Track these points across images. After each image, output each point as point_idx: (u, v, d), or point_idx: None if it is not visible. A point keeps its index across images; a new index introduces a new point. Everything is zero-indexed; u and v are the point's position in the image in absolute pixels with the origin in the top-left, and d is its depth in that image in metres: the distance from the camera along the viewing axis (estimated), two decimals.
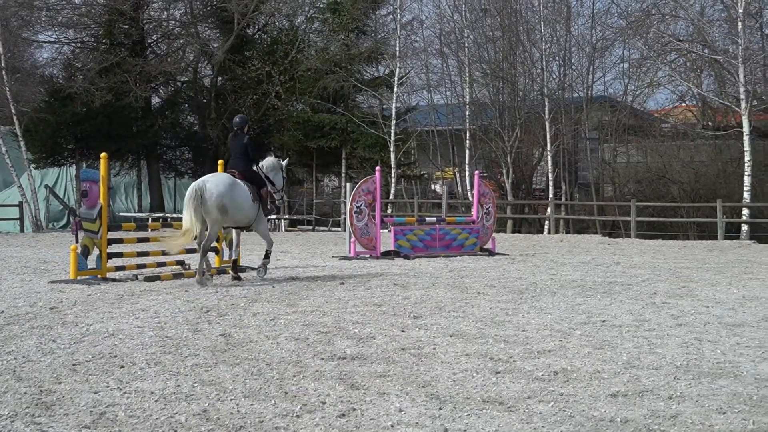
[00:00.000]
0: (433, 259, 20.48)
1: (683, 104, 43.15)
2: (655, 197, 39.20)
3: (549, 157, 40.62)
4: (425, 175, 49.08)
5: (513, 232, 38.92)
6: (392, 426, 5.73)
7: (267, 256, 15.81)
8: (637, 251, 25.09)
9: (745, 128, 32.98)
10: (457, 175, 45.20)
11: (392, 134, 42.31)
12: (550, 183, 40.69)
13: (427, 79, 47.27)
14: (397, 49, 43.20)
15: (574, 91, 43.88)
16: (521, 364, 7.73)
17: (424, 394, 6.56)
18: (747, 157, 33.03)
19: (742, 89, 33.12)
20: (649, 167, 42.20)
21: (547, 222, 38.90)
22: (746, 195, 33.03)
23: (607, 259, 21.35)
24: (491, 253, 22.49)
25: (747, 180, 32.98)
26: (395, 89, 43.11)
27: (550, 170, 40.73)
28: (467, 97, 43.08)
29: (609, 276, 16.43)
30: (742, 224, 32.75)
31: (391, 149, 42.32)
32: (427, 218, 24.23)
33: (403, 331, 9.44)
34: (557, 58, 42.96)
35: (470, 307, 11.51)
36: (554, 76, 43.09)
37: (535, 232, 39.85)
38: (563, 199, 42.04)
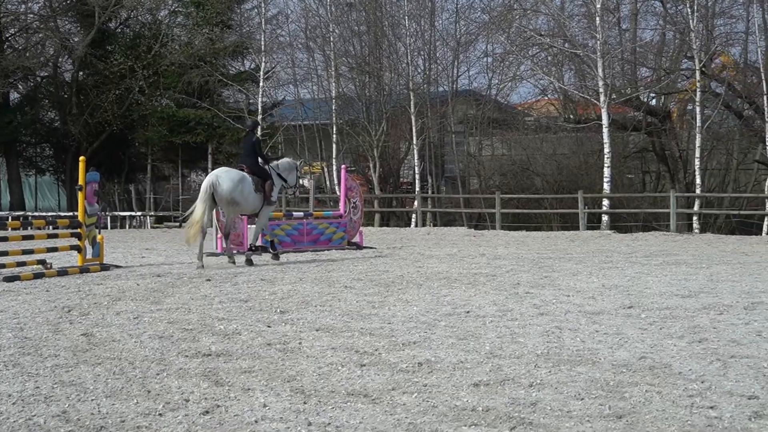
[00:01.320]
0: (301, 254, 20.47)
1: (546, 98, 44.00)
2: (519, 189, 39.89)
3: (415, 151, 40.98)
4: None
5: (381, 225, 39.17)
6: (256, 422, 5.72)
7: (251, 247, 18.34)
8: (502, 242, 25.55)
9: (605, 121, 33.87)
10: (325, 169, 45.22)
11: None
12: (417, 176, 41.04)
13: (293, 74, 47.12)
14: (263, 43, 42.96)
15: (439, 85, 44.35)
16: (386, 357, 7.79)
17: (289, 389, 6.55)
18: (606, 149, 33.93)
19: (600, 83, 34.00)
20: (513, 160, 42.93)
21: (414, 215, 39.28)
22: (606, 186, 33.92)
23: (472, 250, 21.67)
24: (359, 246, 22.59)
25: (606, 171, 33.89)
26: (261, 84, 42.88)
27: (416, 164, 41.10)
28: (333, 91, 43.11)
29: (474, 267, 16.69)
30: (603, 215, 33.65)
31: None
32: (294, 213, 24.19)
33: (269, 327, 9.42)
34: (422, 52, 43.31)
35: (337, 301, 11.55)
36: (419, 71, 43.47)
37: (402, 225, 40.16)
38: (430, 192, 42.46)
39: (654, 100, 41.06)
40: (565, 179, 39.67)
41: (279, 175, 18.76)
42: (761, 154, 36.34)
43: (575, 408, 6.04)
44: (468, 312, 10.52)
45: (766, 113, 33.50)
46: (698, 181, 33.59)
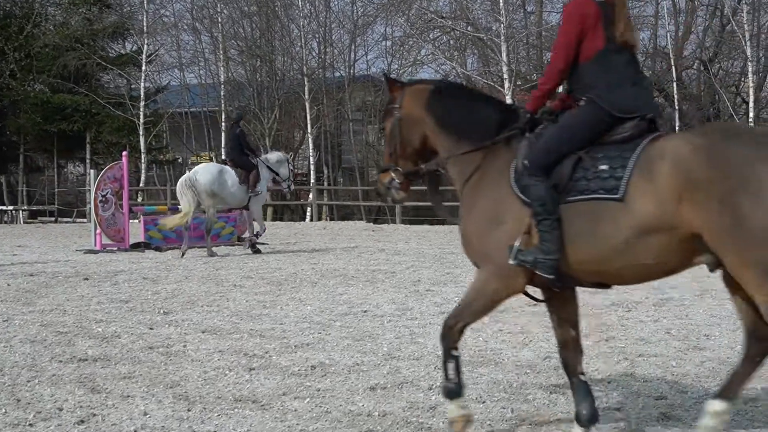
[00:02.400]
0: (188, 251, 20.26)
1: None
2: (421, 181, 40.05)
3: (310, 140, 40.84)
4: (179, 161, 48.39)
5: (274, 219, 38.96)
6: (136, 431, 5.66)
7: (256, 235, 20.10)
8: (403, 237, 25.65)
9: None
10: (214, 160, 44.83)
11: (141, 116, 41.54)
12: (312, 167, 40.92)
13: (178, 57, 46.53)
14: (145, 24, 42.39)
15: (335, 70, 44.25)
16: (277, 360, 7.78)
17: (172, 395, 6.50)
18: None
19: (505, 68, 34.34)
20: None
21: (309, 208, 39.18)
22: None
23: (371, 246, 21.73)
24: (250, 242, 22.45)
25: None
26: (144, 68, 42.31)
27: (311, 154, 40.95)
28: (222, 76, 42.73)
29: (372, 264, 16.74)
30: None
31: (141, 132, 41.56)
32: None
33: (151, 329, 9.33)
34: (317, 35, 43.22)
35: (225, 301, 11.50)
36: (314, 55, 43.37)
37: (297, 219, 40.04)
38: (326, 184, 42.38)
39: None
40: None
41: (270, 168, 20.38)
42: None
43: (476, 411, 6.09)
44: (365, 311, 10.55)
45: (675, 100, 34.25)
46: None
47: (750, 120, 32.71)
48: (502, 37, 34.11)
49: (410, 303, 11.27)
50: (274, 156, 21.27)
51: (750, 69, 33.51)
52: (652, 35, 39.63)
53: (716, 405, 5.05)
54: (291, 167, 21.47)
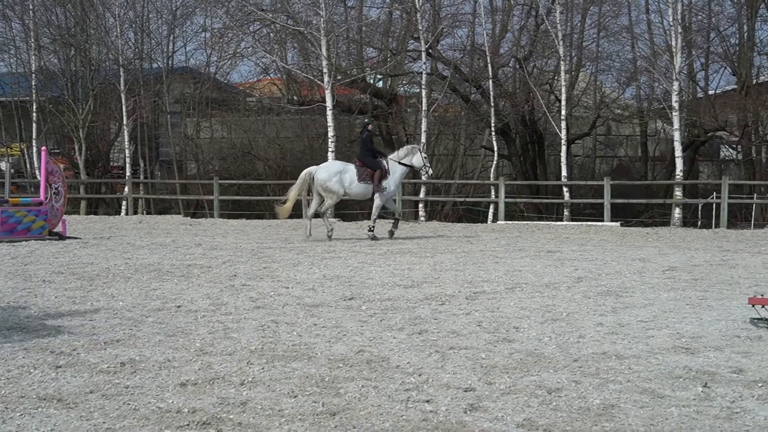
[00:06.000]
0: None
1: (268, 77, 44.03)
2: (240, 174, 39.83)
3: (126, 133, 40.03)
4: None
5: (88, 213, 38.10)
6: None
7: (371, 229, 22.59)
8: (221, 231, 25.49)
9: (329, 103, 34.29)
10: (24, 151, 43.50)
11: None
12: (128, 160, 40.18)
13: None
14: None
15: (153, 61, 43.53)
16: (85, 357, 7.62)
17: None
18: (331, 133, 34.37)
19: (325, 63, 34.39)
20: (234, 143, 42.77)
21: (125, 202, 38.45)
22: None
23: (188, 240, 21.51)
24: (61, 237, 21.88)
25: (331, 156, 34.29)
26: None
27: (127, 146, 40.19)
28: (34, 65, 41.47)
29: (188, 258, 16.57)
30: None
31: None
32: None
33: None
34: (134, 24, 42.40)
35: (33, 297, 11.18)
36: (131, 45, 42.54)
37: (113, 213, 39.20)
38: (143, 177, 41.67)
39: (381, 82, 41.94)
40: (289, 164, 39.82)
41: (400, 162, 22.80)
42: (487, 140, 37.90)
43: (288, 406, 6.12)
44: (179, 307, 10.45)
45: (491, 98, 34.97)
46: None
47: (562, 117, 33.73)
48: (322, 31, 34.15)
49: (225, 298, 11.21)
50: (402, 151, 23.43)
51: (562, 68, 34.53)
52: (469, 33, 40.34)
53: None
54: (424, 155, 23.36)
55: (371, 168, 22.28)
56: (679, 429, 5.77)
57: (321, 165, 23.06)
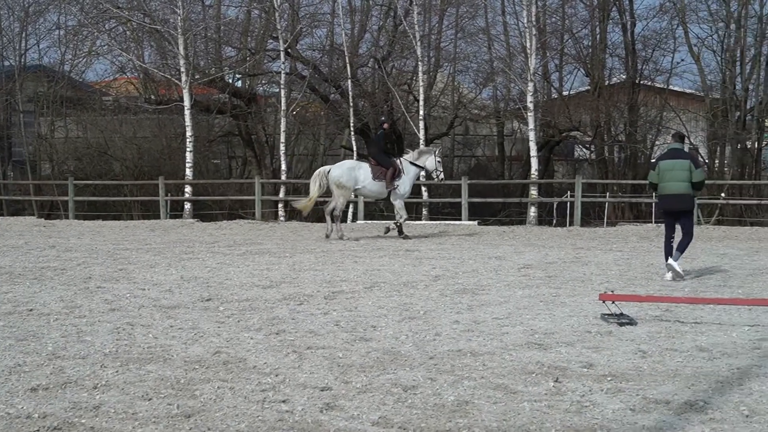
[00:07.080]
0: None
1: (125, 76, 43.36)
2: (96, 175, 39.10)
3: None
4: None
5: None
6: None
7: (399, 228, 23.01)
8: (76, 233, 25.01)
9: (186, 102, 33.94)
10: None
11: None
12: None
13: None
14: None
15: (4, 59, 42.45)
16: None
17: None
18: (189, 133, 34.03)
19: (182, 61, 34.02)
20: (89, 143, 41.96)
21: None
22: (189, 172, 34.01)
23: (42, 242, 21.05)
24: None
25: (189, 156, 34.00)
26: None
27: None
28: None
29: (42, 261, 16.22)
30: (185, 202, 33.73)
31: None
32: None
33: None
34: None
35: None
36: None
37: None
38: None
39: (240, 82, 41.68)
40: (146, 164, 39.31)
41: (413, 163, 23.12)
42: (347, 140, 38.01)
43: (142, 409, 6.06)
44: (31, 310, 10.23)
45: (350, 97, 35.10)
46: (284, 167, 34.54)
47: (420, 117, 34.05)
48: (180, 30, 33.79)
49: (79, 300, 11.01)
50: (417, 152, 24.02)
51: (420, 68, 34.86)
52: (328, 33, 40.43)
53: None
54: (438, 159, 23.59)
55: (384, 166, 22.72)
56: (531, 423, 5.90)
57: (336, 164, 23.63)
